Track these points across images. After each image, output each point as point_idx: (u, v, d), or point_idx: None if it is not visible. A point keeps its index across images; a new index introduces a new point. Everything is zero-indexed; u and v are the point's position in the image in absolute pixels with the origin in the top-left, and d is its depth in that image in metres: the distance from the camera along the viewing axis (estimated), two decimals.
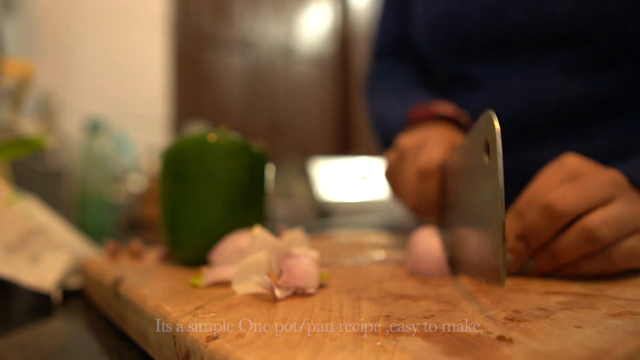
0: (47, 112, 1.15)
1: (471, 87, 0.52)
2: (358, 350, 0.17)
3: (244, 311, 0.23)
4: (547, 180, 0.31)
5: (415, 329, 0.19)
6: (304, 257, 0.27)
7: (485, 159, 0.25)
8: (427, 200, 0.39)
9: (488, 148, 0.24)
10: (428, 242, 0.32)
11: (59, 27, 1.42)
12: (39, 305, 0.37)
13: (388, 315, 0.21)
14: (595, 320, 0.20)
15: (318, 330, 0.19)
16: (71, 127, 1.28)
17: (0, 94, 0.88)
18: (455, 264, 0.32)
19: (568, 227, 0.29)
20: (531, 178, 0.35)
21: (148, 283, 0.30)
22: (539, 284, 0.28)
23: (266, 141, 1.80)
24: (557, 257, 0.29)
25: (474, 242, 0.27)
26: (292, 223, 0.54)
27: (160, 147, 1.21)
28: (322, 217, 1.55)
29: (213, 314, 0.22)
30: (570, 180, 0.30)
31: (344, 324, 0.20)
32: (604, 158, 0.35)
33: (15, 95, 0.92)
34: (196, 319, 0.21)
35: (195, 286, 0.29)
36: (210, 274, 0.29)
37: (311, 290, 0.26)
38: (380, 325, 0.20)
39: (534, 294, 0.26)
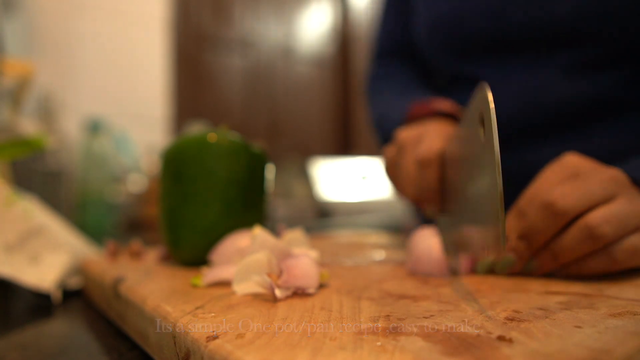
0: (47, 112, 1.15)
1: (471, 87, 0.52)
2: (358, 350, 0.17)
3: (244, 311, 0.23)
4: (548, 179, 0.31)
5: (415, 329, 0.19)
6: (304, 257, 0.27)
7: (481, 133, 0.25)
8: (428, 189, 0.39)
9: (484, 122, 0.25)
10: (428, 242, 0.32)
11: (59, 27, 1.42)
12: (39, 305, 0.37)
13: (388, 315, 0.21)
14: (595, 320, 0.20)
15: (318, 330, 0.19)
16: (71, 127, 1.28)
17: (0, 94, 0.88)
18: (454, 250, 0.32)
19: (569, 226, 0.29)
20: (531, 178, 0.35)
21: (148, 283, 0.30)
22: (539, 284, 0.28)
23: (266, 141, 1.80)
24: (559, 256, 0.29)
25: (474, 218, 0.28)
26: (292, 223, 0.54)
27: (160, 147, 1.21)
28: (322, 217, 1.55)
29: (213, 314, 0.22)
30: (571, 179, 0.30)
31: (344, 324, 0.20)
32: (604, 158, 0.35)
33: (15, 95, 0.92)
34: (196, 319, 0.21)
35: (195, 286, 0.29)
36: (210, 274, 0.29)
37: (311, 290, 0.26)
38: (380, 325, 0.20)
39: (534, 294, 0.26)
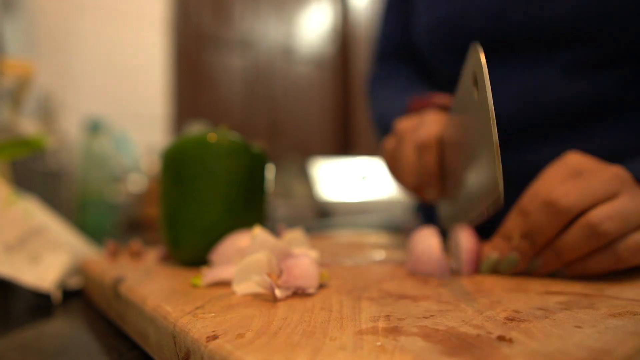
0: (47, 112, 1.15)
1: None
2: (358, 350, 0.17)
3: (244, 311, 0.23)
4: (550, 177, 0.31)
5: (415, 329, 0.19)
6: (304, 257, 0.27)
7: (475, 94, 0.25)
8: (428, 173, 0.40)
9: (477, 83, 0.25)
10: (428, 242, 0.32)
11: (59, 27, 1.42)
12: (39, 305, 0.37)
13: (388, 315, 0.21)
14: (595, 320, 0.20)
15: (318, 330, 0.19)
16: (71, 127, 1.28)
17: (0, 94, 0.88)
18: (451, 219, 0.33)
19: (572, 224, 0.29)
20: (531, 178, 0.35)
21: (148, 283, 0.30)
22: (539, 284, 0.28)
23: (266, 141, 1.80)
24: (563, 255, 0.29)
25: (471, 178, 0.28)
26: (292, 223, 0.54)
27: (160, 147, 1.21)
28: (322, 217, 1.55)
29: (213, 314, 0.22)
30: (574, 177, 0.30)
31: (344, 324, 0.20)
32: (604, 158, 0.35)
33: (15, 95, 0.92)
34: (196, 319, 0.21)
35: (195, 286, 0.29)
36: (210, 274, 0.29)
37: (311, 290, 0.26)
38: (380, 325, 0.20)
39: (534, 294, 0.26)
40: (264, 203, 0.38)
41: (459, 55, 0.53)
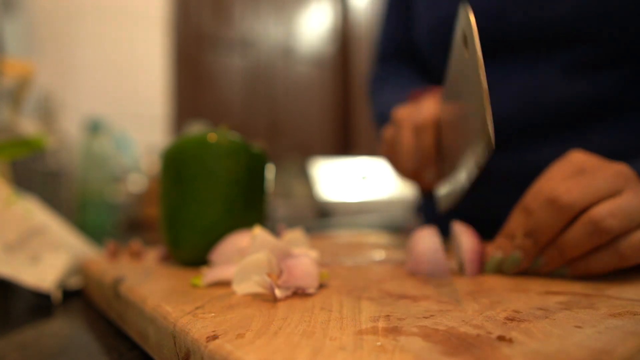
0: (47, 112, 1.15)
1: None
2: (358, 350, 0.17)
3: (244, 311, 0.23)
4: (553, 176, 0.31)
5: (415, 329, 0.19)
6: (304, 257, 0.27)
7: (466, 53, 0.26)
8: (426, 155, 0.41)
9: (467, 42, 0.26)
10: (428, 242, 0.32)
11: (59, 27, 1.42)
12: (39, 305, 0.37)
13: (388, 315, 0.21)
14: (595, 320, 0.20)
15: (318, 330, 0.19)
16: (71, 127, 1.28)
17: (0, 94, 0.88)
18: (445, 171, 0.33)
19: (575, 221, 0.29)
20: (531, 178, 0.35)
21: (148, 283, 0.30)
22: (539, 284, 0.28)
23: (266, 141, 1.80)
24: (566, 252, 0.29)
25: (464, 142, 0.29)
26: (292, 223, 0.54)
27: (160, 147, 1.21)
28: (322, 217, 1.55)
29: (213, 314, 0.22)
30: (577, 175, 0.30)
31: (344, 324, 0.20)
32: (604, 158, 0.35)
33: (15, 95, 0.92)
34: (196, 319, 0.21)
35: (195, 286, 0.29)
36: (210, 274, 0.29)
37: (311, 290, 0.26)
38: (380, 325, 0.20)
39: (534, 294, 0.26)
40: (264, 203, 0.38)
41: None
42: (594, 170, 0.30)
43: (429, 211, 0.66)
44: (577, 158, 0.32)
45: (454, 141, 0.34)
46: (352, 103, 2.19)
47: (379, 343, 0.17)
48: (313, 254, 0.30)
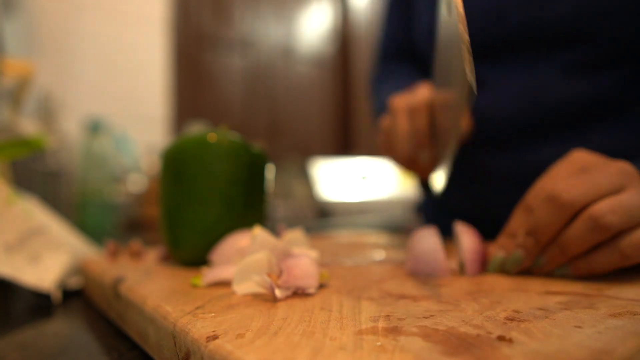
0: (47, 112, 1.15)
1: None
2: (358, 350, 0.17)
3: (244, 311, 0.23)
4: (555, 174, 0.31)
5: (415, 329, 0.19)
6: (304, 257, 0.27)
7: (449, 17, 0.27)
8: (420, 135, 0.42)
9: (449, 6, 0.26)
10: (428, 242, 0.32)
11: (59, 27, 1.42)
12: (39, 305, 0.37)
13: (388, 315, 0.21)
14: (595, 320, 0.20)
15: (318, 330, 0.19)
16: (71, 127, 1.28)
17: (0, 94, 0.88)
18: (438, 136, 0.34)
19: (576, 218, 0.28)
20: (531, 178, 0.35)
21: (148, 283, 0.30)
22: (539, 284, 0.28)
23: (266, 141, 1.80)
24: (567, 249, 0.29)
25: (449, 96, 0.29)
26: (292, 223, 0.54)
27: (160, 147, 1.21)
28: (322, 217, 1.55)
29: (213, 314, 0.22)
30: (579, 173, 0.30)
31: (344, 324, 0.20)
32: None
33: (15, 95, 0.92)
34: (196, 319, 0.21)
35: (195, 286, 0.29)
36: (210, 274, 0.29)
37: (311, 290, 0.26)
38: (380, 325, 0.20)
39: (534, 294, 0.26)
40: (264, 203, 0.38)
41: None
42: (596, 168, 0.30)
43: (429, 211, 0.66)
44: (579, 156, 0.32)
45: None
46: (352, 103, 2.19)
47: (379, 343, 0.17)
48: (313, 254, 0.30)
